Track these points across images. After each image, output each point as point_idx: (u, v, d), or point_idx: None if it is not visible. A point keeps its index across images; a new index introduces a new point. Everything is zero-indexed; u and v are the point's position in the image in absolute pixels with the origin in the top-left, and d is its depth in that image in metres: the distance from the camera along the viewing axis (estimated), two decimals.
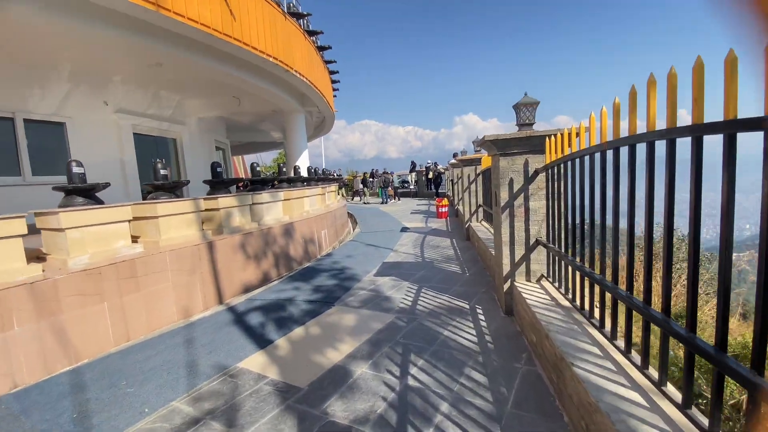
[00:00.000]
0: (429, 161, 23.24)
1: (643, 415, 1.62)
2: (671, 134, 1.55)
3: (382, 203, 20.03)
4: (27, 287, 3.34)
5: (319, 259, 7.39)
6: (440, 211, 12.20)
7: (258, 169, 7.57)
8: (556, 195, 3.17)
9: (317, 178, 10.35)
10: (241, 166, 28.57)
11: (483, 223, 8.09)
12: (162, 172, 5.23)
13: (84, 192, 4.30)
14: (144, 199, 5.49)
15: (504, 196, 3.71)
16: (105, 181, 4.56)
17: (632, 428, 1.54)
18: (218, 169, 6.01)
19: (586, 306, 2.62)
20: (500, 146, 3.64)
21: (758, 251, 1.17)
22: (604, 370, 2.00)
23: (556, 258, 3.26)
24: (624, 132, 1.95)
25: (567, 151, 2.85)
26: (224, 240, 5.24)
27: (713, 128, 1.33)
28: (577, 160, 2.62)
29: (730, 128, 1.26)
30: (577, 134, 2.69)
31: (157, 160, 5.32)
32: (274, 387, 2.77)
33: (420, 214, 13.86)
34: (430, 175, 21.90)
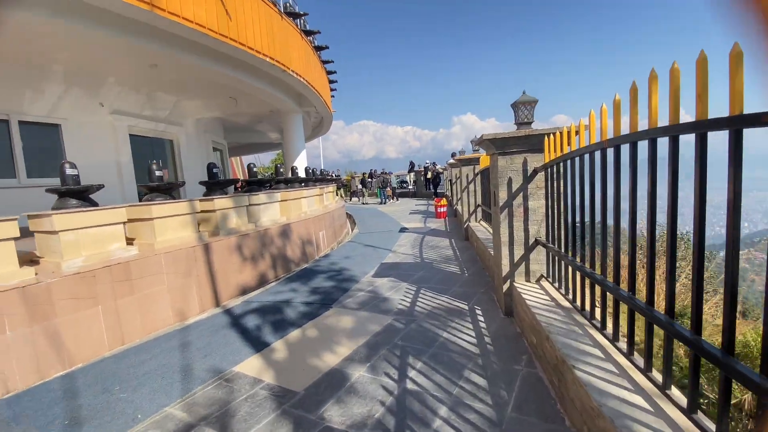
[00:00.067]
0: (427, 161, 23.22)
1: (648, 420, 1.57)
2: (674, 131, 1.50)
3: (381, 204, 19.98)
4: (19, 291, 3.28)
5: (317, 260, 7.34)
6: (439, 211, 12.16)
7: (255, 169, 7.51)
8: (555, 194, 3.13)
9: (315, 178, 10.30)
10: (239, 167, 28.49)
11: (482, 222, 8.05)
12: (157, 173, 5.17)
13: (77, 194, 4.24)
14: (140, 200, 5.43)
15: (503, 195, 3.67)
16: (99, 183, 4.49)
17: None
18: (214, 170, 5.95)
19: (587, 307, 2.58)
20: (499, 145, 3.59)
21: (767, 253, 1.12)
22: (606, 372, 1.96)
23: (556, 258, 3.21)
24: (625, 130, 1.91)
25: (566, 150, 2.81)
26: (220, 242, 5.19)
27: (718, 124, 1.29)
28: (577, 159, 2.58)
29: (736, 124, 1.22)
30: (577, 132, 2.65)
31: (153, 161, 5.27)
32: (269, 391, 2.72)
33: (419, 215, 13.81)
34: (429, 175, 21.86)
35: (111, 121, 8.90)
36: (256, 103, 11.12)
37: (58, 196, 4.25)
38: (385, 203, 20.06)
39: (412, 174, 26.38)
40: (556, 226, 3.15)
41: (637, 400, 1.72)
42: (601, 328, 2.33)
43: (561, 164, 2.95)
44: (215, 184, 5.94)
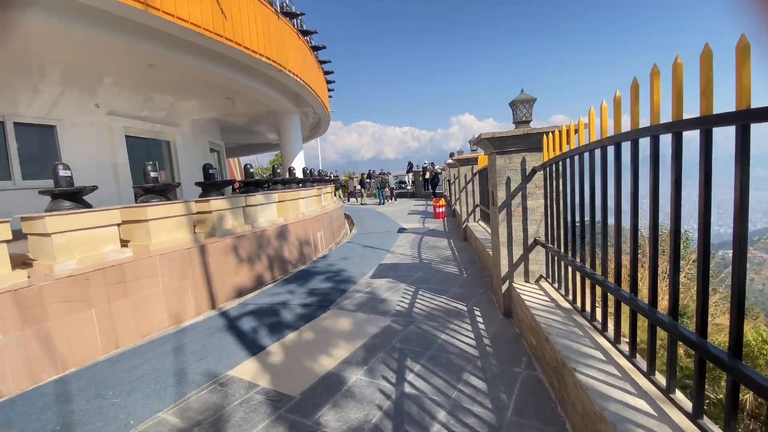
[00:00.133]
0: (426, 161, 23.19)
1: (652, 425, 1.53)
2: (678, 127, 1.46)
3: (379, 204, 19.94)
4: (11, 294, 3.24)
5: (315, 261, 7.29)
6: (437, 211, 12.12)
7: (251, 170, 7.46)
8: (554, 194, 3.08)
9: (313, 179, 10.25)
10: (237, 168, 28.41)
11: (480, 223, 8.00)
12: (152, 174, 5.12)
13: (71, 195, 4.18)
14: (136, 202, 5.37)
15: (501, 195, 3.62)
16: (92, 185, 4.44)
17: None
18: (210, 171, 5.90)
19: (587, 308, 2.54)
20: (497, 144, 3.55)
21: None
22: (608, 375, 1.91)
23: (555, 258, 3.17)
24: (626, 128, 1.87)
25: (565, 149, 2.76)
26: (217, 243, 5.14)
27: (725, 119, 1.24)
28: (576, 157, 2.53)
29: (743, 119, 1.17)
30: (576, 131, 2.61)
31: (149, 163, 5.21)
32: (265, 396, 2.67)
33: (417, 215, 13.77)
34: (427, 176, 21.83)
35: (107, 122, 8.83)
36: (253, 103, 11.06)
37: (51, 198, 4.19)
38: (383, 204, 20.02)
39: (411, 174, 26.35)
40: (555, 226, 3.11)
41: (640, 404, 1.68)
42: (602, 330, 2.29)
43: (560, 163, 2.90)
44: (211, 185, 5.89)
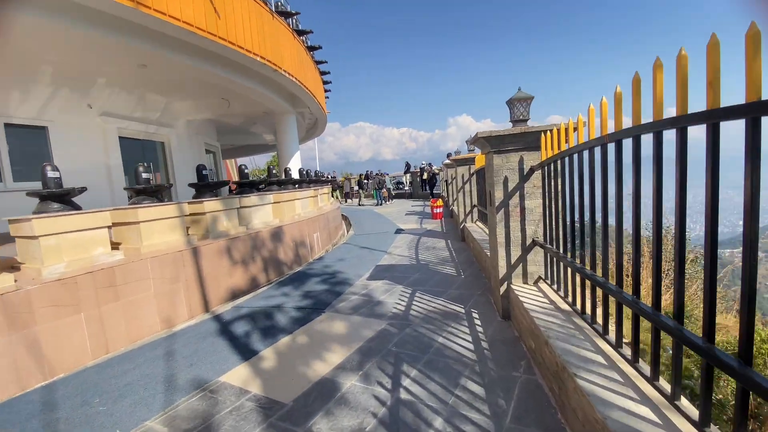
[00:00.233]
0: (423, 162, 23.11)
1: None
2: (682, 122, 1.39)
3: (377, 205, 19.87)
4: None
5: (311, 263, 7.20)
6: (435, 212, 12.04)
7: (246, 171, 7.37)
8: (553, 193, 3.02)
9: (309, 180, 10.16)
10: (234, 169, 28.30)
11: (478, 223, 7.94)
12: (144, 175, 5.03)
13: (59, 197, 4.09)
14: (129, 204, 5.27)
15: (499, 195, 3.55)
16: (82, 186, 4.34)
17: None
18: (204, 172, 5.81)
19: (587, 310, 2.47)
20: (494, 143, 3.48)
21: None
22: (610, 381, 1.84)
23: (554, 259, 3.10)
24: (626, 125, 1.80)
25: (564, 147, 2.70)
26: (210, 245, 5.05)
27: (734, 112, 1.17)
28: (576, 156, 2.46)
29: (755, 111, 1.10)
30: (575, 129, 2.54)
31: (139, 164, 5.12)
32: (256, 403, 2.58)
33: (415, 216, 13.70)
34: (425, 176, 21.76)
35: (100, 123, 8.72)
36: (249, 104, 10.97)
37: (40, 200, 4.10)
38: (381, 204, 19.96)
39: (408, 175, 26.28)
40: (554, 227, 3.04)
41: (644, 411, 1.61)
42: (603, 333, 2.22)
43: (559, 162, 2.84)
44: (205, 186, 5.80)
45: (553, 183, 3.00)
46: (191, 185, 5.97)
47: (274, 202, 6.97)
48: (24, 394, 3.10)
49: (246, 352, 3.40)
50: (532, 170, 3.43)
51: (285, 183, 8.54)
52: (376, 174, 24.07)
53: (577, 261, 2.55)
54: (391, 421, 2.26)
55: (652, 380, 1.73)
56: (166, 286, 4.39)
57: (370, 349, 3.26)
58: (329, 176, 22.56)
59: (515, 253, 3.56)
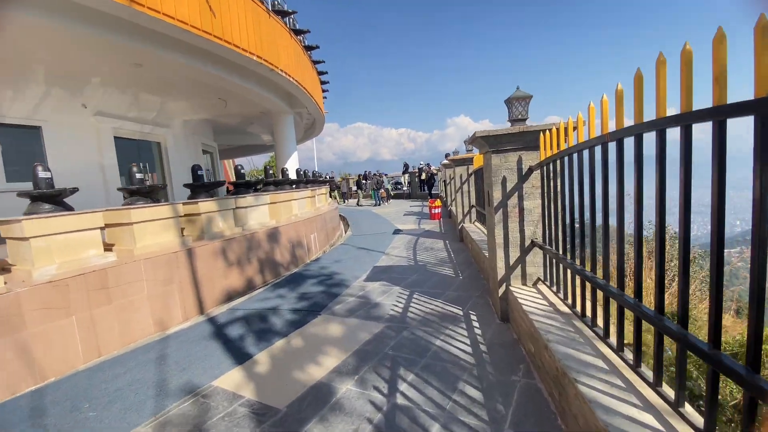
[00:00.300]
0: (422, 162, 23.06)
1: None
2: (687, 119, 1.34)
3: (375, 205, 19.81)
4: None
5: (308, 264, 7.14)
6: (433, 212, 12.00)
7: (243, 171, 7.30)
8: (552, 194, 2.97)
9: (306, 180, 10.10)
10: (231, 169, 28.19)
11: (476, 224, 7.89)
12: (138, 176, 4.96)
13: (50, 198, 4.02)
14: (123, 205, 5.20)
15: (497, 195, 3.50)
16: (73, 186, 4.27)
17: None
18: (199, 172, 5.75)
19: (588, 313, 2.41)
20: (492, 143, 3.43)
21: None
22: (611, 387, 1.79)
23: (554, 261, 3.05)
24: (628, 123, 1.75)
25: (563, 146, 2.65)
26: (205, 246, 4.98)
27: (742, 109, 1.12)
28: (575, 155, 2.41)
29: (765, 107, 1.05)
30: (575, 128, 2.49)
31: (133, 164, 5.05)
32: (249, 408, 2.52)
33: (413, 216, 13.65)
34: (423, 177, 21.70)
35: (94, 122, 8.64)
36: (246, 104, 10.90)
37: (31, 201, 4.03)
38: (379, 205, 19.89)
39: (407, 175, 26.22)
40: (553, 227, 2.99)
41: (647, 418, 1.56)
42: (604, 337, 2.17)
43: (558, 162, 2.79)
44: (200, 186, 5.73)
45: (552, 183, 2.95)
46: (186, 185, 5.90)
47: (271, 203, 6.91)
48: (13, 398, 3.04)
49: (240, 356, 3.34)
50: (530, 170, 3.38)
51: (282, 183, 8.48)
52: (375, 174, 24.00)
53: (577, 262, 2.50)
54: (387, 428, 2.20)
55: (655, 386, 1.68)
56: (159, 288, 4.33)
57: (366, 352, 3.20)
58: (327, 176, 22.47)
59: (514, 254, 3.51)
